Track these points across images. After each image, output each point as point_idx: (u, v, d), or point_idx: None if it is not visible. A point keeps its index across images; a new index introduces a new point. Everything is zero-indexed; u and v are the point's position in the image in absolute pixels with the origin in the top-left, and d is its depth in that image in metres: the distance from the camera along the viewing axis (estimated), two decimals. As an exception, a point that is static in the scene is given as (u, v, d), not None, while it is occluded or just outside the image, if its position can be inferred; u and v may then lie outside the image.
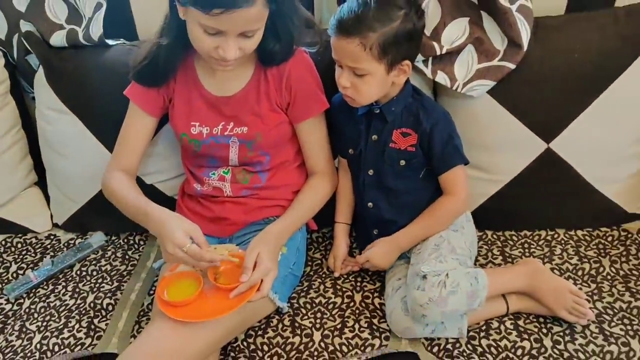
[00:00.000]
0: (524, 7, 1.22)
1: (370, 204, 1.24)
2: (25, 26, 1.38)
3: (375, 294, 1.24)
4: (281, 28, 1.12)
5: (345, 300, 1.23)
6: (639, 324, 1.12)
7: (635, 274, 1.23)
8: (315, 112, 1.23)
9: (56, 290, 1.34)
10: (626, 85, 1.23)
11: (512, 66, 1.23)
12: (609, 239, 1.32)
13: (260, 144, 1.22)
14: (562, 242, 1.33)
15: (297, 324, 1.18)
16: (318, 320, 1.19)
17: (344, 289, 1.26)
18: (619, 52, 1.23)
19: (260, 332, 1.17)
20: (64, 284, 1.35)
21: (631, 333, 1.10)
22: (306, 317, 1.20)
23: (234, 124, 1.21)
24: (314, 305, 1.23)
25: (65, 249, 1.46)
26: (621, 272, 1.24)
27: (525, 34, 1.21)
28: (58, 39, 1.35)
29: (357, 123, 1.22)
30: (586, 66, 1.23)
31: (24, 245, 1.48)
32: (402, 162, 1.19)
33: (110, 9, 1.37)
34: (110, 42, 1.38)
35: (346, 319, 1.19)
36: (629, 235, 1.32)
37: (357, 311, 1.21)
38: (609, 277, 1.23)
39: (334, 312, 1.21)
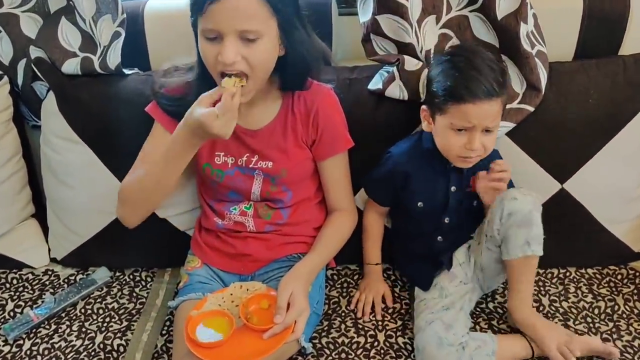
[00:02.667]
0: (541, 52, 1.27)
1: (440, 237, 1.26)
2: (35, 52, 1.33)
3: (398, 333, 1.23)
4: (292, 50, 1.09)
5: (369, 339, 1.21)
6: (659, 362, 1.15)
7: (649, 312, 1.27)
8: (340, 150, 1.23)
9: (60, 330, 1.25)
10: (635, 130, 1.29)
11: (531, 109, 1.26)
12: (619, 277, 1.36)
13: (284, 180, 1.20)
14: (575, 280, 1.35)
15: (322, 366, 1.15)
16: (343, 361, 1.16)
17: (366, 328, 1.24)
18: (629, 98, 1.29)
19: (284, 375, 1.13)
20: (68, 323, 1.27)
21: (653, 371, 1.13)
22: (330, 357, 1.17)
23: (259, 158, 1.19)
24: (337, 345, 1.20)
25: (65, 285, 1.38)
26: (635, 311, 1.27)
27: (543, 78, 1.26)
28: (71, 66, 1.31)
29: (433, 178, 1.22)
30: (599, 111, 1.28)
31: (20, 281, 1.39)
32: (475, 202, 1.23)
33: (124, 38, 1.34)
34: (125, 71, 1.35)
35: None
36: (637, 274, 1.36)
37: (382, 351, 1.19)
38: (624, 315, 1.26)
39: (358, 352, 1.18)
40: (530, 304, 1.20)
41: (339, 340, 1.21)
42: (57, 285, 1.38)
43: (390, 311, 1.28)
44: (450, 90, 1.10)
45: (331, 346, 1.19)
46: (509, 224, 1.12)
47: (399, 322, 1.25)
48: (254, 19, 1.01)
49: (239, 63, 1.02)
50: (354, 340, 1.21)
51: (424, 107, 1.18)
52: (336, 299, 1.32)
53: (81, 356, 1.19)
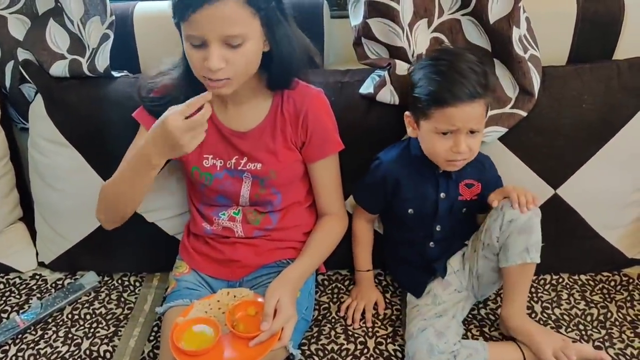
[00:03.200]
0: (534, 56, 1.25)
1: (432, 243, 1.25)
2: (23, 54, 1.32)
3: (389, 340, 1.21)
4: (276, 45, 1.07)
5: (359, 346, 1.19)
6: (651, 371, 1.14)
7: (641, 319, 1.25)
8: (330, 152, 1.21)
9: (46, 336, 1.24)
10: (630, 135, 1.28)
11: (524, 114, 1.25)
12: (612, 283, 1.35)
13: (273, 182, 1.19)
14: (567, 286, 1.34)
15: (310, 373, 1.14)
16: (332, 369, 1.15)
17: (355, 335, 1.22)
18: (623, 103, 1.27)
19: (271, 382, 1.12)
20: (54, 328, 1.26)
21: (645, 380, 1.12)
22: (319, 365, 1.16)
23: (248, 159, 1.18)
24: (327, 352, 1.18)
25: (53, 290, 1.36)
26: (628, 318, 1.25)
27: (536, 82, 1.25)
28: (59, 69, 1.29)
29: (422, 185, 1.20)
30: (593, 116, 1.27)
31: (7, 285, 1.37)
32: (464, 210, 1.22)
33: (113, 40, 1.32)
34: (115, 73, 1.33)
35: (362, 367, 1.15)
36: (631, 280, 1.35)
37: (372, 358, 1.17)
38: (617, 322, 1.24)
39: (348, 359, 1.17)
40: (524, 311, 1.19)
41: (329, 347, 1.19)
42: (45, 290, 1.36)
43: (380, 317, 1.27)
44: (433, 95, 1.08)
45: (320, 353, 1.18)
46: (509, 231, 1.11)
47: (390, 329, 1.24)
48: (237, 23, 0.99)
49: (224, 71, 1.01)
50: (343, 347, 1.19)
51: (407, 113, 1.17)
52: (326, 305, 1.30)
53: (67, 363, 1.17)
